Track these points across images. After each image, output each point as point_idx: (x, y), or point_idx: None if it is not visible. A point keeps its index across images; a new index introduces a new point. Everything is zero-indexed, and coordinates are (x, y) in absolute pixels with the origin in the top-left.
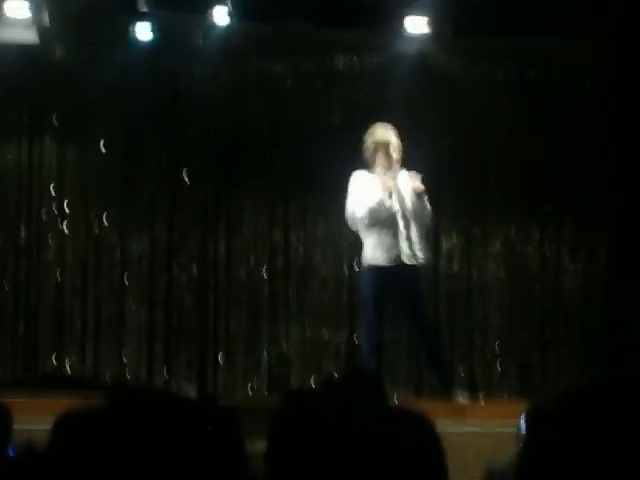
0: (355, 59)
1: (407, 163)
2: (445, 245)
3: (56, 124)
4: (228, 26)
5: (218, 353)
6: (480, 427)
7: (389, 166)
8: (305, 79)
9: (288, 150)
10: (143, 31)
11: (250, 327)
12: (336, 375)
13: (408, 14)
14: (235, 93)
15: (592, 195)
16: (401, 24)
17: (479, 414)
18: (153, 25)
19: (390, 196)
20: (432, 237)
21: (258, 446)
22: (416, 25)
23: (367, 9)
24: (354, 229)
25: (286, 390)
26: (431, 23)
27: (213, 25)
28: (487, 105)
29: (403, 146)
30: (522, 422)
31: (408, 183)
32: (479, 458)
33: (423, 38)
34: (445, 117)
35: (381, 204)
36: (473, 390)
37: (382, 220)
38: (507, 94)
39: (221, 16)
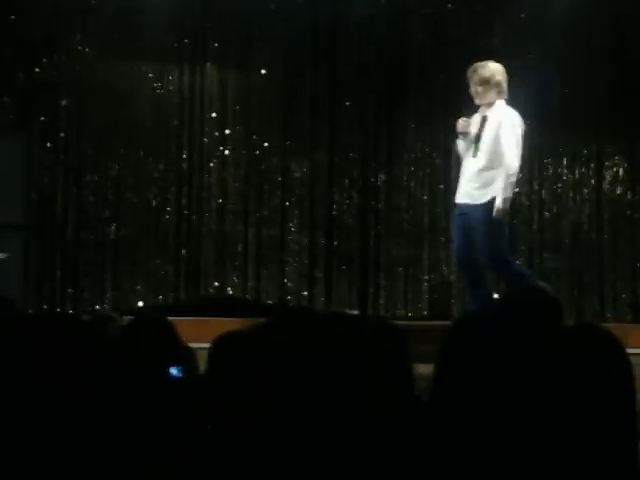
0: None
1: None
2: (606, 170)
3: (216, 48)
4: None
5: (379, 277)
6: None
7: (473, 104)
8: (466, 1)
9: (450, 74)
10: None
11: (411, 252)
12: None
13: None
14: (396, 16)
15: None
16: None
17: None
18: None
19: (464, 135)
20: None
21: (422, 369)
22: None
23: None
24: None
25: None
26: None
27: None
28: None
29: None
30: None
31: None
32: None
33: None
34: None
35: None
36: (637, 314)
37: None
38: None
39: None
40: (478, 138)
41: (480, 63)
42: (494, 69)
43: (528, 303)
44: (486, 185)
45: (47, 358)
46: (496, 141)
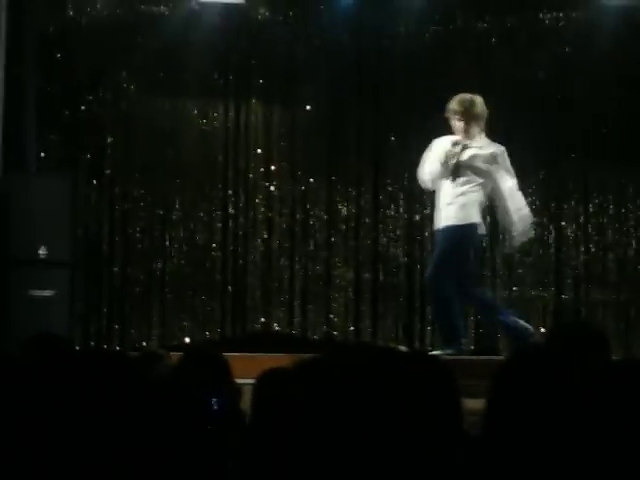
0: (560, 14)
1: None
2: None
3: (262, 85)
4: None
5: (425, 311)
6: None
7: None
8: (510, 35)
9: (494, 107)
10: None
11: None
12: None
13: None
14: (440, 51)
15: None
16: None
17: None
18: None
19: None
20: None
21: (469, 404)
22: None
23: None
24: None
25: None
26: None
27: None
28: None
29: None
30: None
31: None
32: None
33: None
34: None
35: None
36: None
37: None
38: None
39: None
40: (457, 169)
41: (464, 98)
42: (481, 105)
43: (575, 337)
44: (462, 209)
45: (94, 395)
46: (479, 175)
